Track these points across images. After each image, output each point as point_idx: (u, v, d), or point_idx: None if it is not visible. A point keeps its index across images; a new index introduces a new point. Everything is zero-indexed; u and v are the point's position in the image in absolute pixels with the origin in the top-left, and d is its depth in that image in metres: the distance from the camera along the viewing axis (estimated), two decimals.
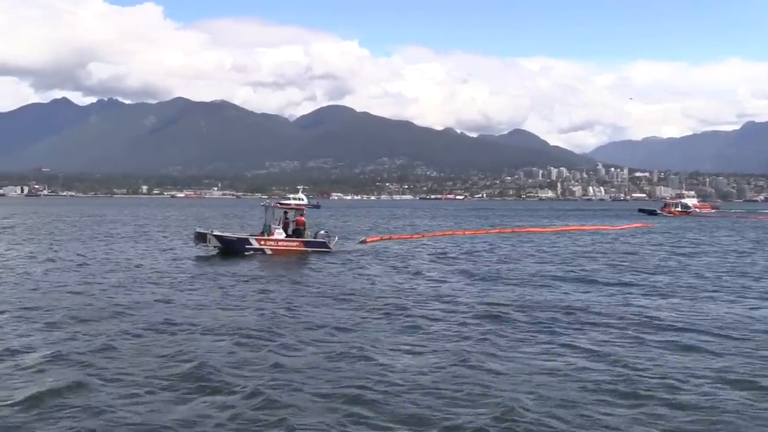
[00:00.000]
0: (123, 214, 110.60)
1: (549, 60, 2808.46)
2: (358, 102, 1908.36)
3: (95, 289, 24.24)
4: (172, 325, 17.66)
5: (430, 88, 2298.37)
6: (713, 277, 29.63)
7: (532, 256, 38.34)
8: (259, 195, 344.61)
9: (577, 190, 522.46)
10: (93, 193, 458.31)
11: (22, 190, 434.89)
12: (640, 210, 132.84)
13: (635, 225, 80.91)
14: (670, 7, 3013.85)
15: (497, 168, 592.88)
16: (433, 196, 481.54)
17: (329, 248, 37.58)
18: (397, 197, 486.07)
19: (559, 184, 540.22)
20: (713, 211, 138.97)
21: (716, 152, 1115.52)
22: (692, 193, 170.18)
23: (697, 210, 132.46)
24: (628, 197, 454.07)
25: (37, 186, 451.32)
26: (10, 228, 65.95)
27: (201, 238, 36.16)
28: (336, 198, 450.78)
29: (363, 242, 47.21)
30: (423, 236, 56.90)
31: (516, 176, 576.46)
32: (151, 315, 19.03)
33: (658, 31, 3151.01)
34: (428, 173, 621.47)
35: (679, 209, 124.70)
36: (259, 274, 29.04)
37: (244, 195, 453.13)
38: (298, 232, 37.38)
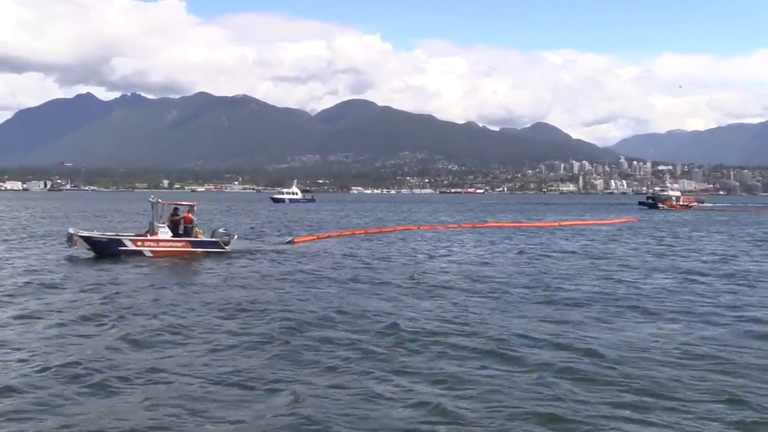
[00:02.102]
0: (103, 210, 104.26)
1: (572, 53, 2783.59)
2: (379, 96, 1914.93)
3: None
4: None
5: (452, 82, 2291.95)
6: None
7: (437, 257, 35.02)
8: (279, 189, 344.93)
9: (599, 183, 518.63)
10: (115, 187, 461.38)
11: (45, 185, 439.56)
12: (641, 203, 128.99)
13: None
14: None
15: (519, 162, 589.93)
16: (453, 190, 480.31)
17: (223, 249, 33.98)
18: (417, 191, 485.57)
19: (580, 178, 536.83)
20: (699, 204, 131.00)
21: (741, 145, 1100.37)
22: (677, 186, 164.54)
23: (696, 204, 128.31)
24: (651, 190, 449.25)
25: (59, 181, 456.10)
26: None
27: (70, 239, 32.35)
28: (356, 192, 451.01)
29: (290, 243, 41.98)
30: (366, 232, 52.71)
31: (538, 170, 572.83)
32: None
33: (685, 23, 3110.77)
34: (449, 167, 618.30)
35: (681, 203, 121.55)
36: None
37: (265, 189, 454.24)
38: (187, 231, 33.86)
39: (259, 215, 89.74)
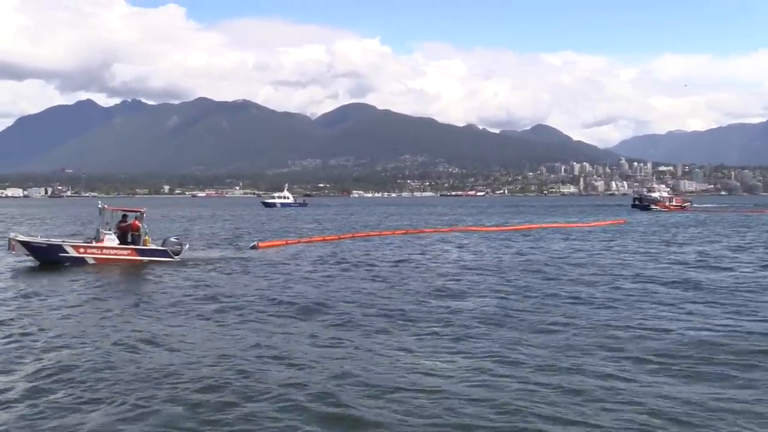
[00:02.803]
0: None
1: (572, 55, 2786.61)
2: (380, 99, 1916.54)
3: None
4: None
5: (452, 85, 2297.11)
6: None
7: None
8: (270, 194, 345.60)
9: (600, 185, 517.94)
10: (116, 193, 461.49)
11: (46, 192, 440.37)
12: (633, 205, 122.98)
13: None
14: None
15: (519, 164, 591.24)
16: (454, 193, 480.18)
17: (172, 257, 32.96)
18: (418, 194, 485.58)
19: (581, 180, 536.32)
20: (686, 204, 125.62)
21: (742, 145, 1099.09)
22: (663, 186, 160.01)
23: (688, 204, 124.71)
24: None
25: (60, 187, 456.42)
26: None
27: (9, 243, 31.40)
28: (357, 196, 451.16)
29: (254, 248, 40.94)
30: (340, 238, 50.62)
31: (538, 172, 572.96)
32: None
33: (685, 24, 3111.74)
34: (450, 170, 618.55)
35: (674, 203, 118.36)
36: None
37: (266, 193, 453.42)
38: (134, 239, 32.97)
39: (245, 220, 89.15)
